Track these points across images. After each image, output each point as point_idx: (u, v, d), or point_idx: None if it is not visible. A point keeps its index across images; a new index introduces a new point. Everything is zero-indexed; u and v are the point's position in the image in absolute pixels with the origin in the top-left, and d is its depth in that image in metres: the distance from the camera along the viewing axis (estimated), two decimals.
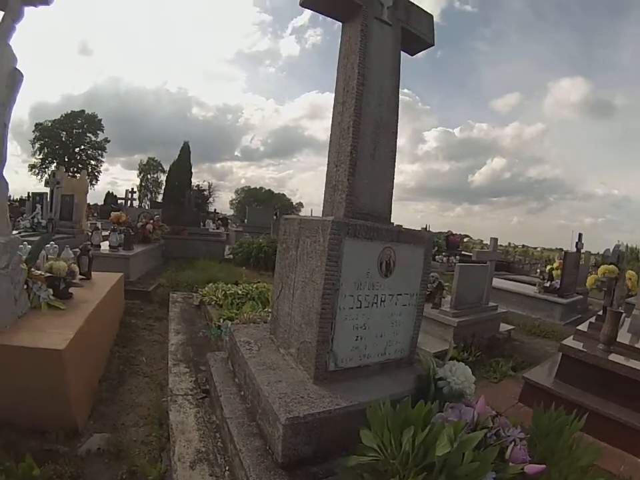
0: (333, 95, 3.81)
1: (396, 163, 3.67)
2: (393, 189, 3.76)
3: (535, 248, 52.56)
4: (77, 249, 5.79)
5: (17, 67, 3.74)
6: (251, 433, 3.00)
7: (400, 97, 3.72)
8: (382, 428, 2.35)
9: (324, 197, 3.75)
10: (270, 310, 4.39)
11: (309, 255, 3.30)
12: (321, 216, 3.67)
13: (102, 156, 67.47)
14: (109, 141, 67.21)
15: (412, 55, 4.23)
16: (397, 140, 3.73)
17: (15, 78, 3.73)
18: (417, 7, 3.96)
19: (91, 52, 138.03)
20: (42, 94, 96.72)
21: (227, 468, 3.03)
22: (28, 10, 3.83)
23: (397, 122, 3.78)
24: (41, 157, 61.23)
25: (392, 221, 3.73)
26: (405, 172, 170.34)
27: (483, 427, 2.60)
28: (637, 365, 4.55)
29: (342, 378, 3.22)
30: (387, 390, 3.13)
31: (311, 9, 3.77)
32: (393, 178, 3.76)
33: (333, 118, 3.74)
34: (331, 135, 3.73)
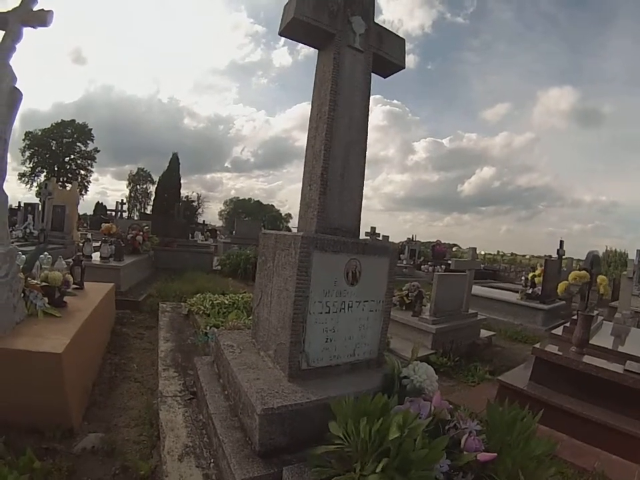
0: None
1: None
2: (361, 204, 4.02)
3: (524, 256, 52.55)
4: (70, 260, 5.93)
5: (17, 85, 3.86)
6: (232, 427, 3.27)
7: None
8: (345, 419, 2.60)
9: (299, 214, 4.03)
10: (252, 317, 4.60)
11: (283, 266, 3.58)
12: (296, 230, 3.96)
13: (91, 166, 67.20)
14: (98, 151, 66.83)
15: (385, 78, 4.45)
16: (367, 157, 3.97)
17: (15, 96, 3.85)
18: (389, 32, 4.21)
19: (85, 60, 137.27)
20: (34, 102, 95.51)
21: (212, 460, 3.28)
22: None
23: (366, 140, 4.03)
24: (30, 165, 60.93)
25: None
26: (395, 182, 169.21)
27: (439, 418, 2.88)
28: (607, 365, 4.74)
29: (314, 376, 3.49)
30: (355, 387, 3.38)
31: (289, 38, 4.02)
32: (362, 194, 4.02)
33: (307, 141, 4.00)
34: (305, 156, 4.00)
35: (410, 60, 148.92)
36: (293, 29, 3.84)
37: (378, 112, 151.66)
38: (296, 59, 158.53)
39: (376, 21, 4.07)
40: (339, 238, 3.62)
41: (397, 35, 4.29)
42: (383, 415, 2.59)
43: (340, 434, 2.56)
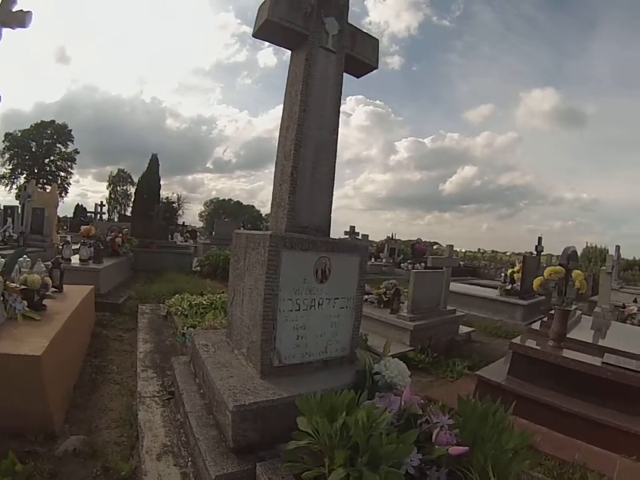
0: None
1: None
2: (331, 203, 4.08)
3: (505, 253, 52.84)
4: (49, 262, 5.91)
5: None
6: (208, 424, 3.32)
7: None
8: (311, 415, 2.64)
9: (270, 213, 4.09)
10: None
11: (253, 265, 3.63)
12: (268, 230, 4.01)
13: (72, 167, 66.56)
14: (78, 152, 66.17)
15: (357, 78, 4.51)
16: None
17: None
18: (362, 32, 4.25)
19: (69, 60, 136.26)
20: (15, 101, 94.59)
21: (189, 458, 3.32)
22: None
23: (337, 141, 4.08)
24: (10, 167, 60.29)
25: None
26: (377, 182, 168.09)
27: (410, 413, 2.93)
28: (584, 358, 4.84)
29: (286, 373, 3.53)
30: (327, 383, 3.42)
31: (263, 40, 4.08)
32: (332, 194, 4.07)
33: (278, 140, 4.05)
34: (277, 156, 4.04)
35: (395, 61, 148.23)
36: (266, 31, 3.88)
37: (360, 112, 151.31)
38: (281, 59, 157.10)
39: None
40: (308, 236, 3.67)
41: (371, 35, 4.34)
42: (349, 410, 2.64)
43: (309, 430, 2.60)
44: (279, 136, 4.07)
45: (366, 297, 7.58)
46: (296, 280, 3.56)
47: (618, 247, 15.48)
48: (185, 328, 6.13)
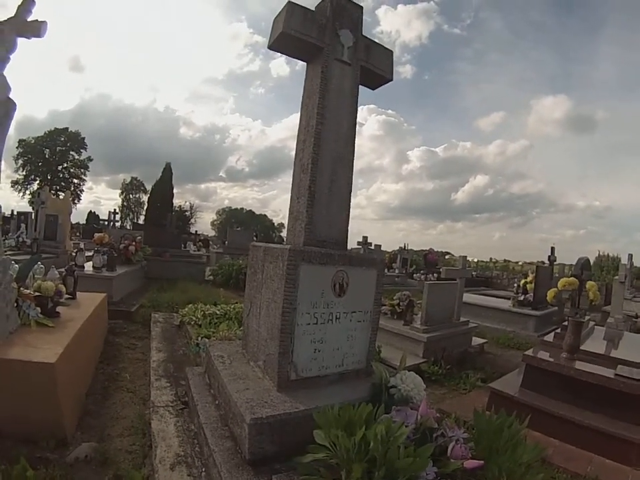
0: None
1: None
2: (349, 216, 4.08)
3: (517, 262, 52.74)
4: (63, 270, 5.96)
5: (11, 95, 3.87)
6: (223, 436, 3.31)
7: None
8: (329, 428, 2.64)
9: (287, 226, 4.09)
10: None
11: (271, 278, 3.63)
12: (285, 243, 4.01)
13: (85, 174, 66.84)
14: (91, 160, 66.54)
15: (373, 90, 4.52)
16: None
17: (8, 107, 3.87)
18: (377, 44, 4.26)
19: (82, 68, 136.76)
20: (29, 108, 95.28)
21: (203, 469, 3.31)
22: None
23: (354, 153, 4.08)
24: (23, 173, 60.50)
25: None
26: (389, 191, 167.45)
27: (426, 426, 2.92)
28: (597, 370, 4.80)
29: (303, 386, 3.52)
30: (343, 397, 3.40)
31: (278, 52, 4.09)
32: (349, 207, 4.07)
33: (295, 154, 4.05)
34: (293, 169, 4.05)
35: (407, 70, 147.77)
36: (281, 43, 3.89)
37: (373, 122, 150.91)
38: (293, 68, 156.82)
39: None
40: (326, 250, 3.67)
41: (385, 47, 4.33)
42: (366, 424, 2.64)
43: (326, 443, 2.60)
44: (296, 148, 4.08)
45: None
46: (314, 293, 3.56)
47: (631, 255, 15.37)
48: (199, 338, 6.11)
